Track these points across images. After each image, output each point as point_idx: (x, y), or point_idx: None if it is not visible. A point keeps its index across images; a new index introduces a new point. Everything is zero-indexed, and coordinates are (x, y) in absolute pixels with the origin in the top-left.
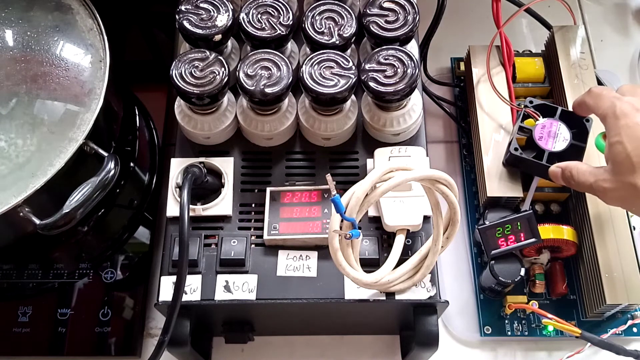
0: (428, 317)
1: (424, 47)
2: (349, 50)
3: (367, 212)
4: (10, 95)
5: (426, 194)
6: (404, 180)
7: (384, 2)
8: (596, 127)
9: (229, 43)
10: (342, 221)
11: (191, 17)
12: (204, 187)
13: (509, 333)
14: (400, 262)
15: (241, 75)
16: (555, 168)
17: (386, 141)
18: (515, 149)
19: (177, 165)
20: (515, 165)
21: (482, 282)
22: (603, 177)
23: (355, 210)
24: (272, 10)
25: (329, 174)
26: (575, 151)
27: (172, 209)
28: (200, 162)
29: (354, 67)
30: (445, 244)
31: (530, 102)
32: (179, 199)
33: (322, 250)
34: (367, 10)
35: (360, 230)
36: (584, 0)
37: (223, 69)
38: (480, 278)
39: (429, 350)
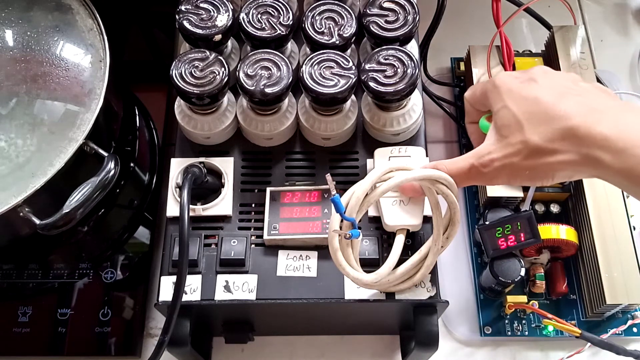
0: (428, 317)
1: (424, 47)
2: (349, 50)
3: (367, 212)
4: (10, 95)
5: (426, 194)
6: (404, 181)
7: (384, 2)
8: None
9: (229, 43)
10: (342, 221)
11: (191, 17)
12: (204, 187)
13: (509, 333)
14: (400, 262)
15: (241, 75)
16: (416, 182)
17: (386, 141)
18: None
19: (177, 165)
20: None
21: (482, 282)
22: (487, 150)
23: (355, 210)
24: (272, 10)
25: (328, 174)
26: None
27: (172, 209)
28: (200, 162)
29: (354, 67)
30: (445, 243)
31: None
32: (179, 199)
33: (322, 250)
34: (367, 10)
35: (360, 230)
36: (584, 0)
37: (223, 69)
38: (480, 278)
39: (429, 350)
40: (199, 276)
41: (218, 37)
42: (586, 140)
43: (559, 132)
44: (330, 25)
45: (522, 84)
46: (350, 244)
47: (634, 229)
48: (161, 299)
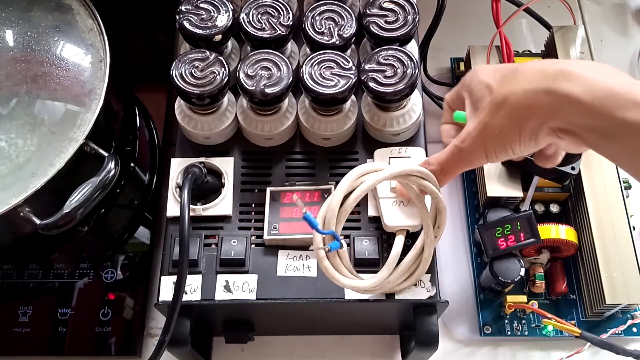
0: (428, 317)
1: (423, 47)
2: (349, 51)
3: (367, 212)
4: (11, 96)
5: (406, 190)
6: (375, 183)
7: (383, 3)
8: None
9: (229, 43)
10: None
11: (191, 17)
12: (204, 187)
13: (509, 333)
14: (400, 263)
15: (241, 75)
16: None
17: (386, 141)
18: None
19: (177, 165)
20: (514, 164)
21: (482, 282)
22: (465, 128)
23: (333, 222)
24: (272, 11)
25: (295, 195)
26: None
27: (172, 209)
28: (201, 162)
29: (353, 68)
30: (438, 233)
31: None
32: (179, 199)
33: None
34: (367, 11)
35: (341, 241)
36: (583, 0)
37: (223, 69)
38: (480, 278)
39: (429, 350)
40: (199, 276)
41: (218, 38)
42: (556, 75)
43: (527, 76)
44: (330, 26)
45: (499, 65)
46: (336, 254)
47: (634, 229)
48: (161, 298)
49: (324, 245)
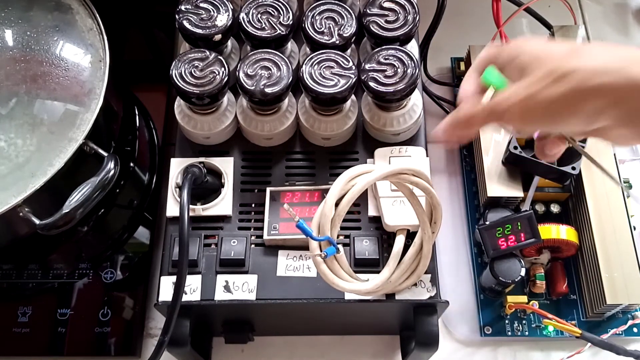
0: (428, 317)
1: (424, 47)
2: (349, 50)
3: (367, 212)
4: (10, 95)
5: (399, 189)
6: (366, 185)
7: (384, 2)
8: None
9: (229, 43)
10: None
11: (191, 17)
12: (203, 187)
13: (509, 333)
14: (400, 262)
15: (241, 75)
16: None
17: (386, 141)
18: (515, 148)
19: (177, 165)
20: (514, 164)
21: (482, 282)
22: (507, 91)
23: (327, 228)
24: (272, 10)
25: (286, 204)
26: (574, 150)
27: (172, 209)
28: (200, 162)
29: (354, 67)
30: (435, 229)
31: None
32: (178, 199)
33: None
34: (367, 10)
35: (337, 246)
36: (584, 0)
37: (223, 68)
38: (481, 278)
39: (429, 351)
40: (199, 276)
41: (218, 37)
42: (634, 59)
43: (596, 55)
44: (330, 25)
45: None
46: (333, 259)
47: (634, 229)
48: (161, 299)
49: (320, 251)
